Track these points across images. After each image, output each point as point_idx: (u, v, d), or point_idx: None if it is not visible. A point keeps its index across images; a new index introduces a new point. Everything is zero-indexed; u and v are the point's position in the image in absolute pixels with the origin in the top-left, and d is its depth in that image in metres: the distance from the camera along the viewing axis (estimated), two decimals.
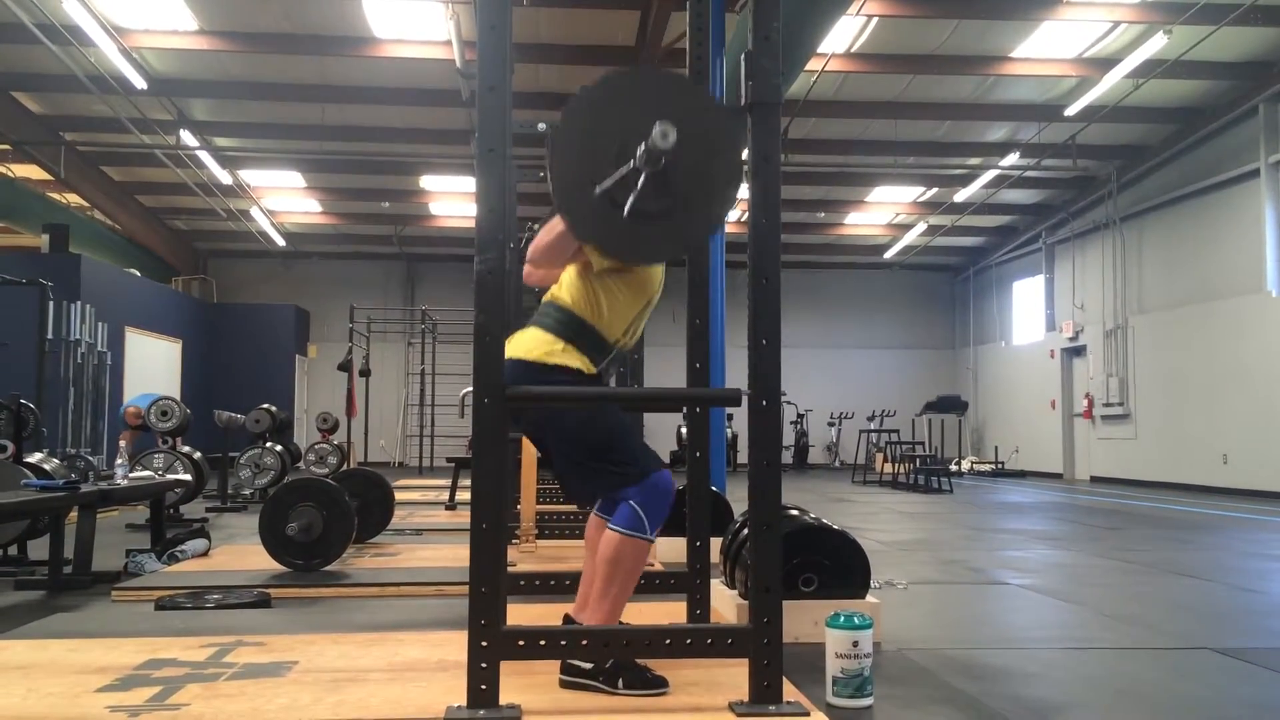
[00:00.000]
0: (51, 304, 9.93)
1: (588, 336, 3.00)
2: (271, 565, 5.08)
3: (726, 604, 3.88)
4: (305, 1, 10.44)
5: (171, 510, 7.77)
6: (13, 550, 5.60)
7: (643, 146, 2.44)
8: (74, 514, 5.13)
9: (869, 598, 3.71)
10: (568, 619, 3.17)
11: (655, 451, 3.05)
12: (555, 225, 2.85)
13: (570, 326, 2.99)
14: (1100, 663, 3.47)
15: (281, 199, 17.39)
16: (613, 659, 2.80)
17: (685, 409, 3.48)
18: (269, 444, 10.29)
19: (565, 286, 3.07)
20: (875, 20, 10.58)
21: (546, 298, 3.13)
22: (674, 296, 3.48)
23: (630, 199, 2.48)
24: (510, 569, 3.86)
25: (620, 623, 2.98)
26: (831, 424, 20.58)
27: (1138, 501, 11.66)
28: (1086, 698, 3.01)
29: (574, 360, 2.95)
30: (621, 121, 2.52)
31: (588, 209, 2.52)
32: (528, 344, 2.98)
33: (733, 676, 2.85)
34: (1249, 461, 12.53)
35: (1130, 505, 11.09)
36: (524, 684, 2.82)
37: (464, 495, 9.02)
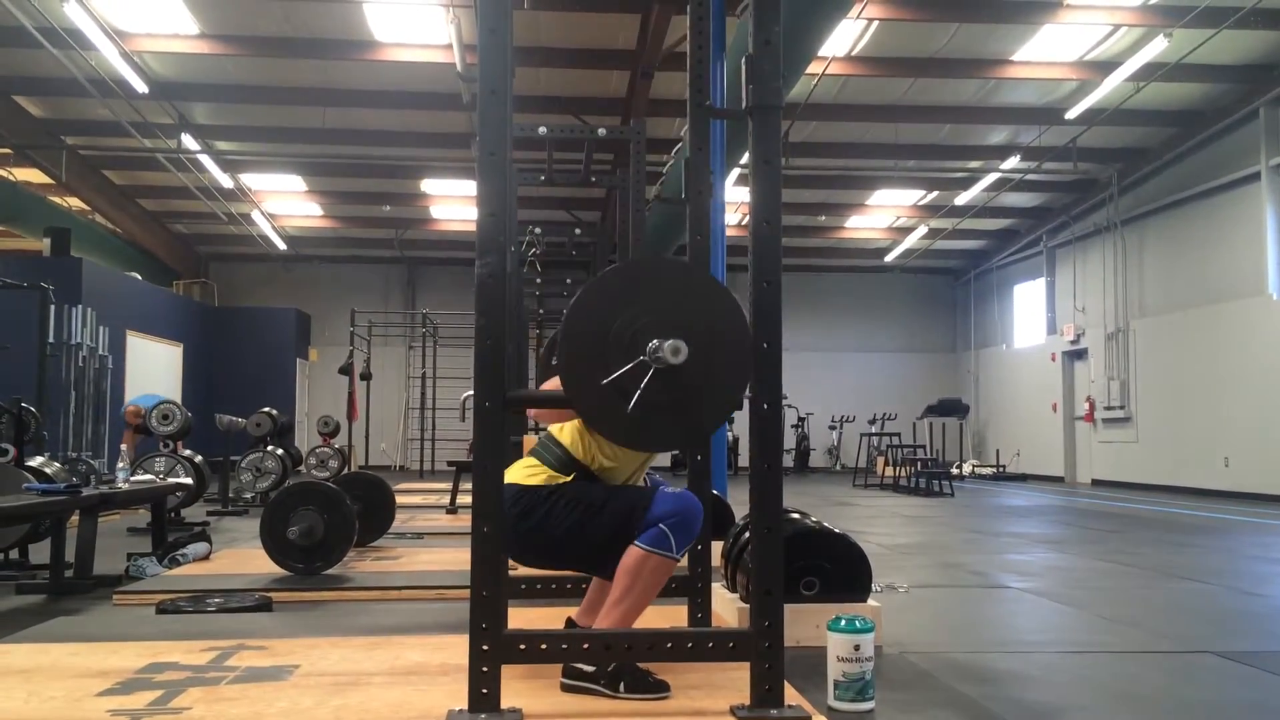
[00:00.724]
0: (53, 307, 9.93)
1: (585, 477, 3.02)
2: (273, 569, 5.08)
3: (728, 608, 3.87)
4: (306, 5, 10.45)
5: (173, 514, 7.77)
6: (14, 554, 5.60)
7: (653, 344, 2.46)
8: (75, 518, 5.13)
9: (870, 601, 3.71)
10: (570, 623, 3.17)
11: (644, 488, 3.05)
12: (557, 386, 2.79)
13: (569, 467, 3.00)
14: (1101, 666, 3.47)
15: (282, 202, 17.41)
16: (614, 662, 2.80)
17: None
18: (270, 448, 10.30)
19: (568, 430, 3.07)
20: (876, 24, 10.59)
21: (549, 429, 3.14)
22: None
23: (637, 394, 2.49)
24: (511, 573, 3.86)
25: None
26: (833, 427, 20.57)
27: (1139, 505, 11.66)
28: (1088, 701, 3.00)
29: (571, 477, 2.99)
30: (633, 312, 2.53)
31: (595, 398, 2.53)
32: (529, 472, 3.00)
33: (734, 680, 2.85)
34: (1250, 464, 12.52)
35: (1131, 508, 11.08)
36: (526, 688, 2.82)
37: (465, 499, 9.02)
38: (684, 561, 3.55)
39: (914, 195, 17.02)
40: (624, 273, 2.70)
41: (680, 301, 2.55)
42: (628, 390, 2.50)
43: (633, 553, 2.82)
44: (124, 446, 8.04)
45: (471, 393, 2.66)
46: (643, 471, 3.19)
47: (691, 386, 2.55)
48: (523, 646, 2.60)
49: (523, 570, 4.72)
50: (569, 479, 2.97)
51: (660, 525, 2.81)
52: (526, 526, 2.90)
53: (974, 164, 15.20)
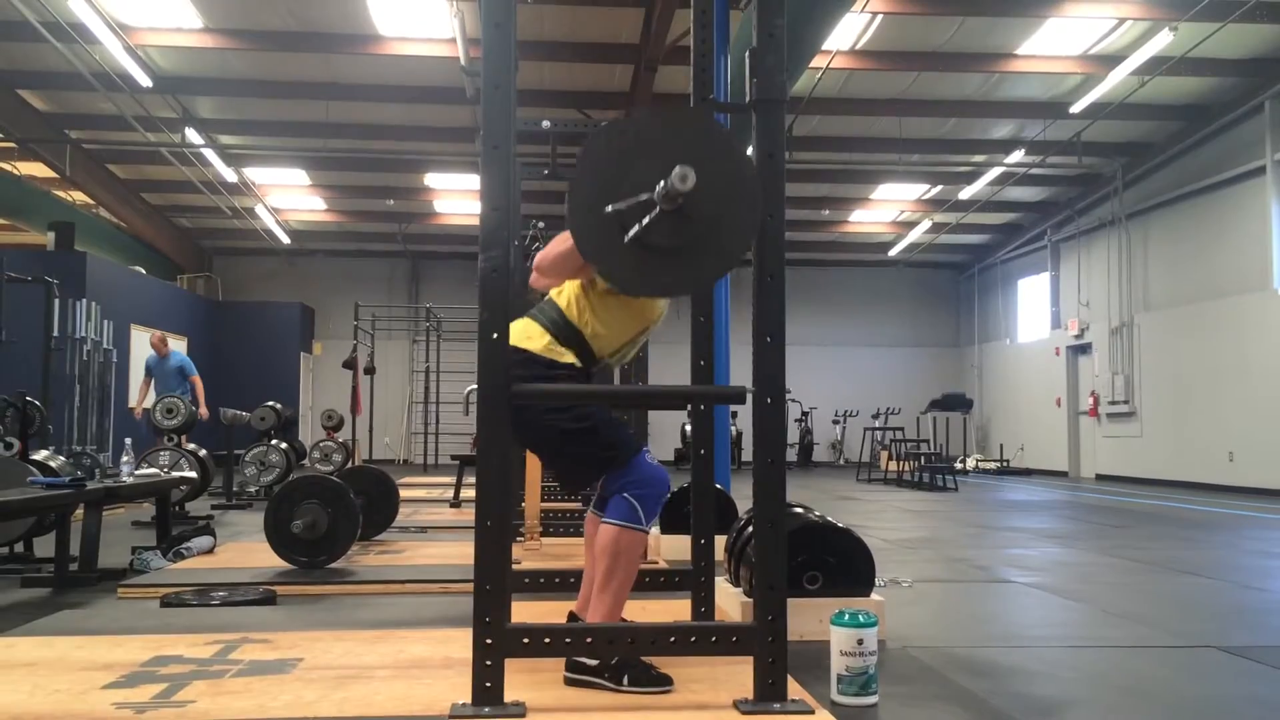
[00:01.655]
0: (57, 301, 9.93)
1: (576, 345, 3.03)
2: (277, 562, 5.09)
3: (731, 602, 3.88)
4: None
5: (177, 507, 7.79)
6: (19, 547, 5.61)
7: (662, 183, 2.44)
8: (80, 511, 5.14)
9: (874, 595, 3.71)
10: (572, 616, 3.18)
11: (636, 438, 3.08)
12: (566, 239, 2.85)
13: (562, 330, 3.03)
14: (1105, 661, 3.47)
15: (286, 197, 17.41)
16: (618, 656, 2.80)
17: (690, 407, 3.48)
18: (274, 441, 10.32)
19: (567, 293, 3.09)
20: (880, 17, 10.56)
21: (550, 294, 3.16)
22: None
23: (635, 228, 2.47)
24: (515, 566, 3.86)
25: (624, 620, 2.99)
26: (836, 422, 20.57)
27: (1143, 499, 11.65)
28: (1091, 696, 3.00)
29: (569, 356, 3.01)
30: (646, 156, 2.51)
31: (599, 233, 2.51)
32: (527, 333, 3.02)
33: (737, 674, 2.85)
34: (1254, 459, 12.51)
35: (1135, 503, 11.07)
36: (529, 681, 2.83)
37: (469, 493, 9.02)
38: (688, 556, 3.56)
39: (918, 189, 17.00)
40: (636, 120, 2.67)
41: (690, 146, 2.52)
42: (638, 235, 2.48)
43: (605, 531, 2.89)
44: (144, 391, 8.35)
45: (475, 387, 2.67)
46: (634, 349, 3.22)
47: (696, 231, 2.52)
48: (526, 640, 2.60)
49: (526, 564, 4.73)
50: (565, 351, 2.99)
51: (626, 495, 2.89)
52: (530, 416, 2.93)
53: (978, 158, 15.18)
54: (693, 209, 2.49)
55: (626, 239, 2.46)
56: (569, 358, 3.00)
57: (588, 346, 3.04)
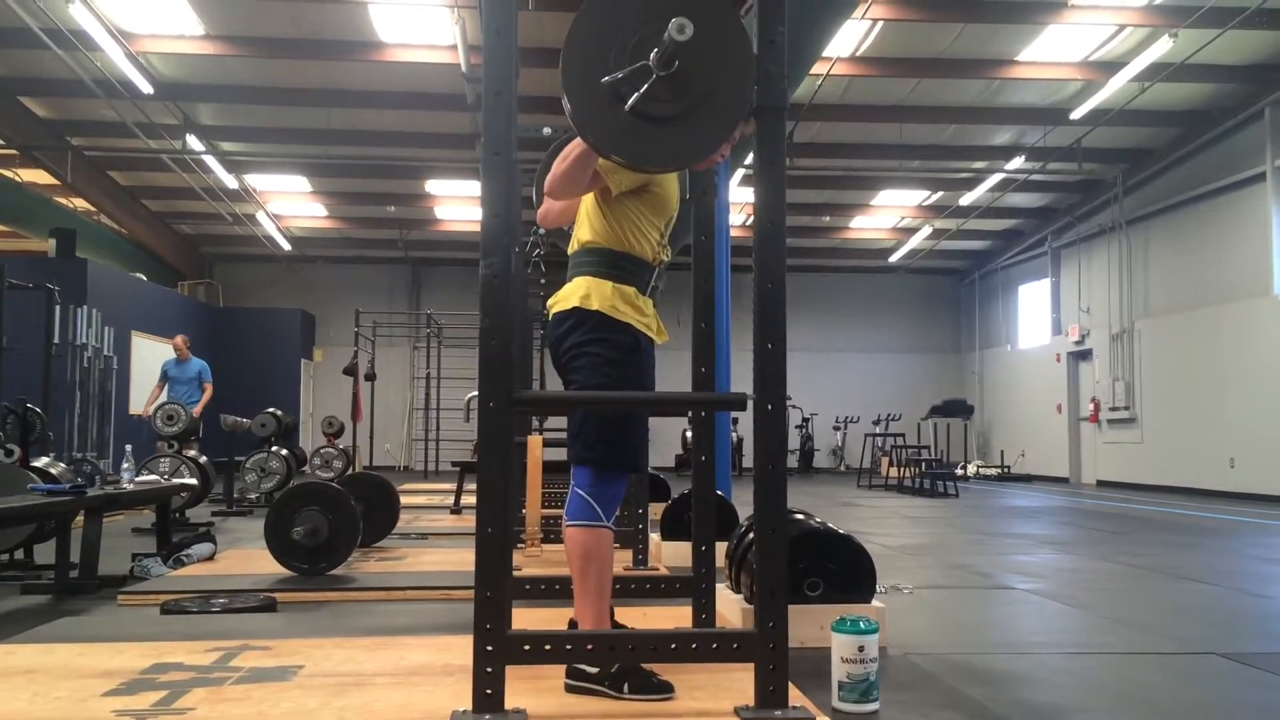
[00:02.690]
0: (58, 308, 9.95)
1: (629, 263, 3.03)
2: (277, 569, 5.09)
3: (732, 608, 3.87)
4: (311, 6, 10.46)
5: (177, 514, 7.78)
6: (19, 554, 5.61)
7: (657, 49, 2.42)
8: (80, 518, 5.14)
9: (875, 602, 3.70)
10: (573, 623, 3.17)
11: (641, 458, 3.07)
12: (570, 150, 2.85)
13: (611, 260, 3.01)
14: (1106, 667, 3.46)
15: (287, 203, 17.44)
16: (618, 663, 2.80)
17: (690, 413, 3.47)
18: (274, 448, 10.31)
19: (588, 226, 3.08)
20: (880, 24, 10.58)
21: (574, 247, 3.14)
22: (679, 299, 3.48)
23: (634, 96, 2.45)
24: (515, 573, 3.86)
25: (623, 625, 2.98)
26: (837, 428, 20.56)
27: (1144, 506, 11.64)
28: (1092, 703, 3.00)
29: (635, 319, 3.01)
30: (638, 21, 2.49)
31: (603, 115, 2.49)
32: (585, 291, 3.00)
33: (738, 681, 2.85)
34: (1256, 465, 12.50)
35: (1137, 509, 11.06)
36: (529, 688, 2.82)
37: (469, 499, 9.02)
38: (688, 563, 3.55)
39: (918, 196, 17.01)
40: None
41: (684, 10, 2.47)
42: (638, 106, 2.45)
43: (571, 536, 2.93)
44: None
45: (476, 393, 2.66)
46: (667, 237, 3.19)
47: (694, 96, 2.50)
48: (527, 647, 2.60)
49: (527, 571, 4.72)
50: (623, 307, 2.98)
51: (579, 492, 2.93)
52: (569, 346, 2.99)
53: (979, 164, 15.19)
54: (688, 73, 2.48)
55: (627, 107, 2.44)
56: (635, 321, 3.00)
57: (637, 260, 3.04)
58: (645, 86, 2.44)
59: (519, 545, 6.00)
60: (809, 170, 15.20)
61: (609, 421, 2.98)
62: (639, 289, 3.04)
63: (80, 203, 16.07)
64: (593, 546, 2.90)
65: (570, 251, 3.16)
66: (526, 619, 3.72)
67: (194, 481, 7.99)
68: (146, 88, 11.35)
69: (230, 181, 15.10)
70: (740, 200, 15.83)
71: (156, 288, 16.62)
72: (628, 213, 3.03)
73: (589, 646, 2.65)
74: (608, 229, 3.03)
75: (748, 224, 16.42)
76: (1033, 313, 19.32)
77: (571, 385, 3.04)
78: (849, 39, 10.82)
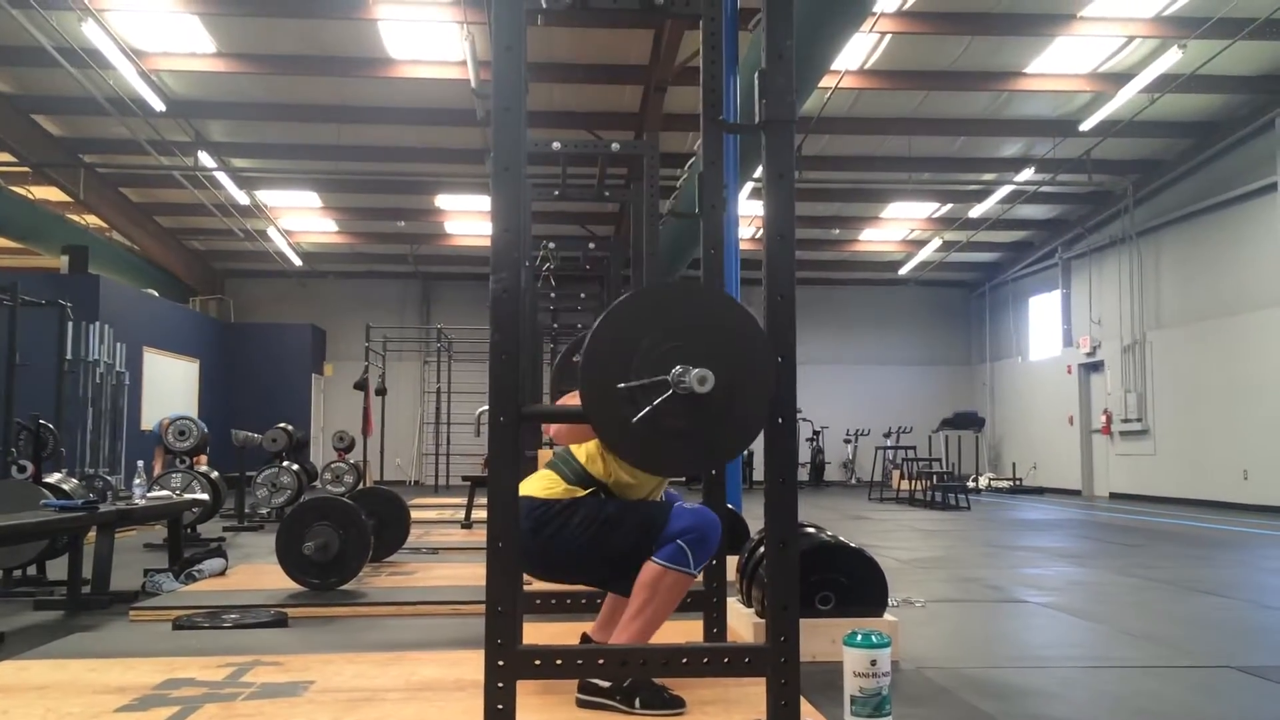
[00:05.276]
0: (71, 324, 10.00)
1: (602, 493, 3.01)
2: (288, 584, 5.09)
3: (743, 623, 3.86)
4: (321, 23, 10.52)
5: (189, 530, 7.80)
6: (31, 570, 5.63)
7: (678, 370, 2.44)
8: (92, 534, 5.15)
9: (887, 616, 3.69)
10: (585, 638, 3.17)
11: (659, 503, 3.05)
12: (577, 406, 2.83)
13: (587, 482, 3.00)
14: (1121, 681, 3.44)
15: (298, 219, 17.51)
16: (630, 678, 2.79)
17: None
18: (285, 463, 10.33)
19: (587, 447, 3.06)
20: (888, 37, 10.59)
21: (565, 449, 3.13)
22: None
23: (648, 408, 2.46)
24: (526, 588, 3.85)
25: None
26: (848, 441, 20.51)
27: (1157, 518, 11.57)
28: (1106, 717, 2.98)
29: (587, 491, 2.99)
30: (659, 336, 2.50)
31: (615, 415, 2.50)
32: (545, 485, 2.99)
33: (749, 696, 2.84)
34: (1270, 477, 12.42)
35: (1150, 522, 11.00)
36: (541, 703, 2.82)
37: (480, 514, 9.02)
38: (700, 577, 3.54)
39: (928, 208, 17.00)
40: (652, 295, 2.68)
41: (708, 330, 2.52)
42: (649, 415, 2.47)
43: (650, 568, 2.81)
44: (156, 464, 8.11)
45: (486, 408, 2.67)
46: (662, 488, 3.17)
47: (713, 414, 2.52)
48: (538, 662, 2.59)
49: (538, 585, 4.71)
50: (586, 493, 2.96)
51: (678, 541, 2.80)
52: (542, 539, 2.89)
53: (988, 176, 15.18)
54: (707, 397, 2.48)
55: (636, 420, 2.45)
56: (584, 491, 2.97)
57: (612, 494, 3.02)
58: (659, 401, 2.44)
59: None
60: (818, 183, 15.21)
61: (618, 525, 2.90)
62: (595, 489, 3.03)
63: (93, 219, 16.17)
64: (666, 586, 2.79)
65: (563, 448, 3.16)
66: (538, 634, 3.73)
67: (205, 497, 8.01)
68: (159, 105, 11.42)
69: (241, 198, 15.18)
70: (749, 213, 15.84)
71: (168, 304, 16.69)
72: (627, 467, 3.00)
73: (600, 661, 2.64)
74: (602, 463, 3.02)
75: (757, 237, 16.43)
76: (1043, 324, 19.26)
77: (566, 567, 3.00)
78: (857, 52, 10.84)
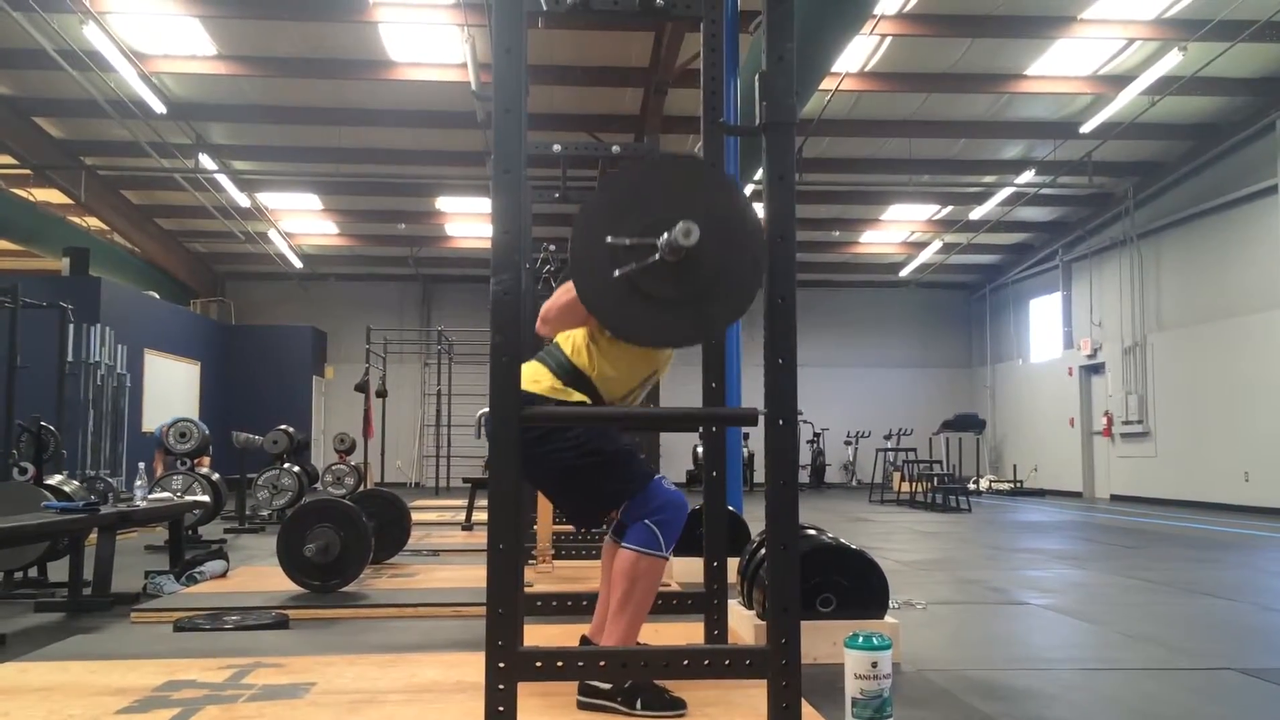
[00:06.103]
0: (72, 327, 10.02)
1: (583, 388, 3.03)
2: (289, 586, 5.09)
3: (744, 625, 3.86)
4: (322, 26, 10.54)
5: (190, 531, 7.80)
6: (33, 572, 5.63)
7: (665, 235, 2.43)
8: (93, 535, 5.16)
9: (888, 618, 3.69)
10: (585, 640, 3.17)
11: (649, 465, 3.07)
12: (570, 289, 2.86)
13: (569, 373, 3.03)
14: (1121, 683, 3.44)
15: (299, 221, 17.52)
16: (631, 680, 2.79)
17: (701, 428, 3.47)
18: (286, 465, 10.33)
19: (574, 337, 3.09)
20: (889, 39, 10.61)
21: (556, 338, 3.16)
22: None
23: (631, 266, 2.45)
24: (527, 589, 3.85)
25: (638, 643, 2.97)
26: (848, 443, 20.51)
27: (1158, 520, 11.57)
28: (1107, 719, 2.98)
29: (576, 396, 3.00)
30: (649, 205, 2.50)
31: (603, 288, 2.50)
32: (534, 376, 3.01)
33: (750, 698, 2.84)
34: (1271, 479, 12.42)
35: (1151, 524, 11.00)
36: (542, 705, 2.82)
37: (480, 516, 9.02)
38: (700, 579, 3.54)
39: (928, 210, 17.01)
40: (639, 169, 2.64)
41: (693, 194, 2.50)
42: (637, 282, 2.44)
43: (624, 556, 2.88)
44: (156, 467, 8.10)
45: (487, 410, 2.67)
46: (643, 392, 3.20)
47: (701, 285, 2.49)
48: (539, 664, 2.59)
49: (539, 587, 4.72)
50: (572, 392, 2.98)
51: (647, 522, 2.87)
52: (538, 451, 2.91)
53: (988, 178, 15.18)
54: (696, 261, 2.48)
55: (616, 274, 2.44)
56: (576, 397, 3.00)
57: (595, 390, 3.04)
58: (641, 264, 2.43)
59: (530, 561, 5.99)
60: (818, 185, 15.21)
61: (607, 466, 2.95)
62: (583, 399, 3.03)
63: (94, 222, 16.18)
64: (643, 572, 2.86)
65: (551, 342, 3.18)
66: (538, 635, 3.73)
67: (206, 499, 8.01)
68: (159, 107, 11.44)
69: (242, 200, 15.19)
70: None
71: (169, 306, 16.70)
72: (614, 354, 3.03)
73: (601, 663, 2.65)
74: (586, 355, 3.04)
75: None
76: (1044, 326, 19.26)
77: (552, 479, 3.03)
78: (858, 54, 10.85)
